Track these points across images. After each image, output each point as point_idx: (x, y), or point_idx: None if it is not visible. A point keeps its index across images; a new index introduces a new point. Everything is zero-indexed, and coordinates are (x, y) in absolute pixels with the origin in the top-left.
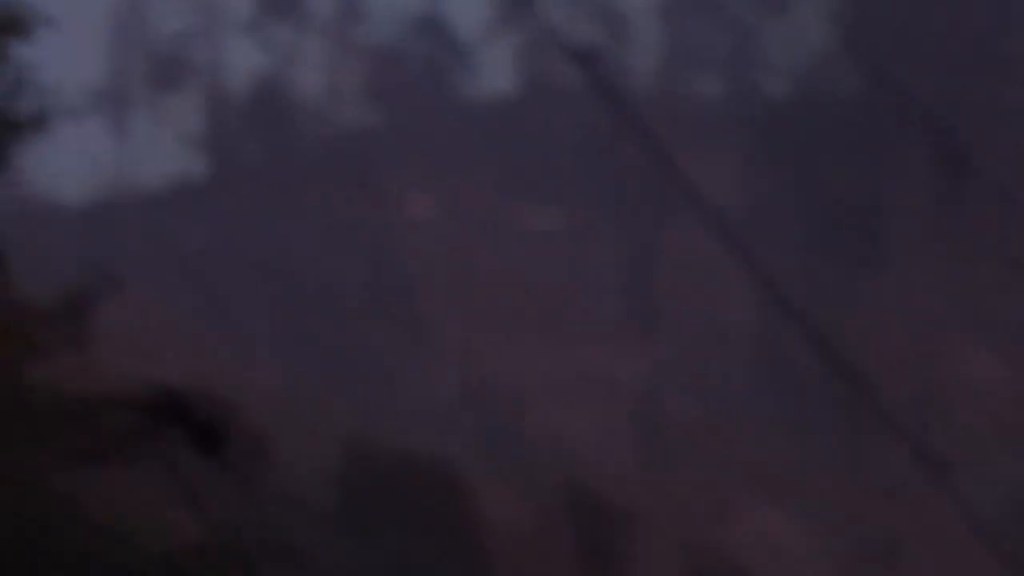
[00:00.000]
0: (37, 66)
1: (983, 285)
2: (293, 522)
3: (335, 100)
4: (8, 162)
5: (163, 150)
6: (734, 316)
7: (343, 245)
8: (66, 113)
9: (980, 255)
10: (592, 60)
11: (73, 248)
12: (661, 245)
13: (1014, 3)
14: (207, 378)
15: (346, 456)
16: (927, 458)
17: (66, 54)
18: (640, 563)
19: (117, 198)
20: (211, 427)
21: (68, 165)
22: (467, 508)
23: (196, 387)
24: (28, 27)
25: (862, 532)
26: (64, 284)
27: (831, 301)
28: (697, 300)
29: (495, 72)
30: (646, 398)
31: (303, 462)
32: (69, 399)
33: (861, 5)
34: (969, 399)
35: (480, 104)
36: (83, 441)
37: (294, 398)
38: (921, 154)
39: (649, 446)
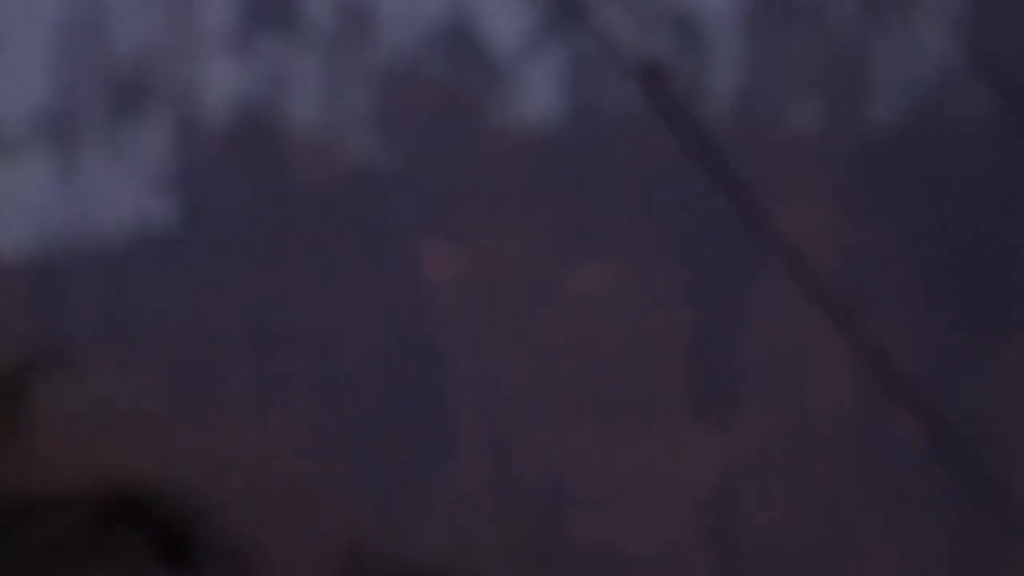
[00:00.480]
0: None
1: None
2: None
3: (336, 132)
4: None
5: (123, 193)
6: (829, 396)
7: (346, 311)
8: (4, 148)
9: None
10: (658, 80)
11: (12, 313)
12: (739, 308)
13: None
14: (175, 472)
15: (348, 570)
16: None
17: (5, 77)
18: None
19: (67, 252)
20: (176, 531)
21: (7, 211)
22: None
23: (158, 482)
24: None
25: None
26: (3, 359)
27: (949, 375)
28: (783, 377)
29: (536, 96)
30: (718, 501)
31: (295, 570)
32: (4, 499)
33: (991, 9)
34: None
35: (517, 136)
36: (20, 551)
37: (284, 497)
38: None
39: (722, 562)
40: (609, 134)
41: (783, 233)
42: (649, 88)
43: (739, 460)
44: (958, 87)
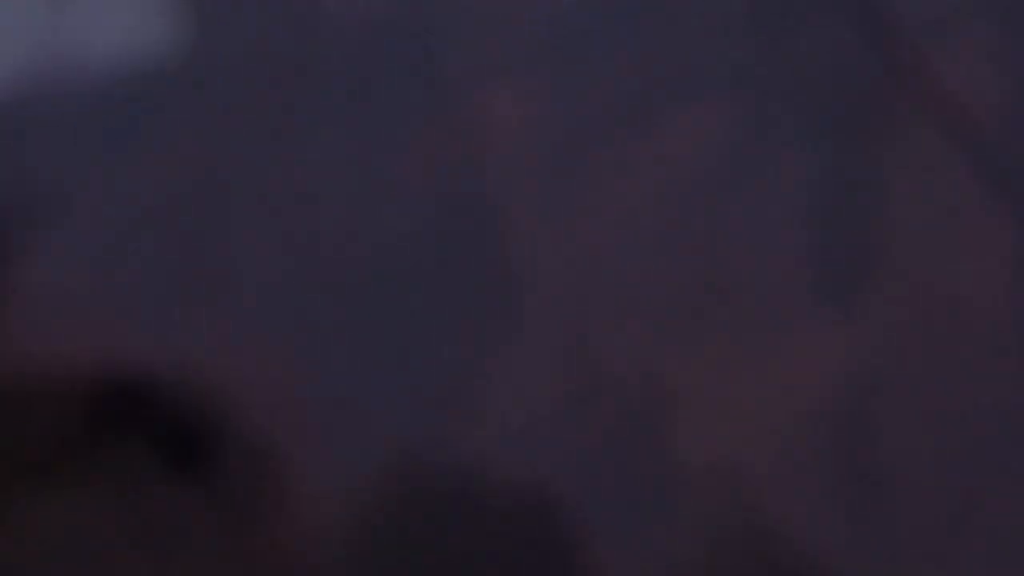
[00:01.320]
0: None
1: None
2: (309, 573)
3: None
4: None
5: (119, 15)
6: (984, 279)
7: (389, 169)
8: None
9: None
10: None
11: None
12: (874, 166)
13: None
14: (184, 359)
15: (390, 479)
16: None
17: None
18: None
19: (46, 91)
20: (187, 432)
21: None
22: (580, 564)
23: (166, 371)
24: None
25: None
26: None
27: None
28: (929, 254)
29: None
30: (848, 406)
31: (327, 485)
32: None
33: None
34: None
35: None
36: None
37: (315, 391)
38: None
39: (852, 478)
40: None
41: (934, 72)
42: None
43: (870, 357)
44: None
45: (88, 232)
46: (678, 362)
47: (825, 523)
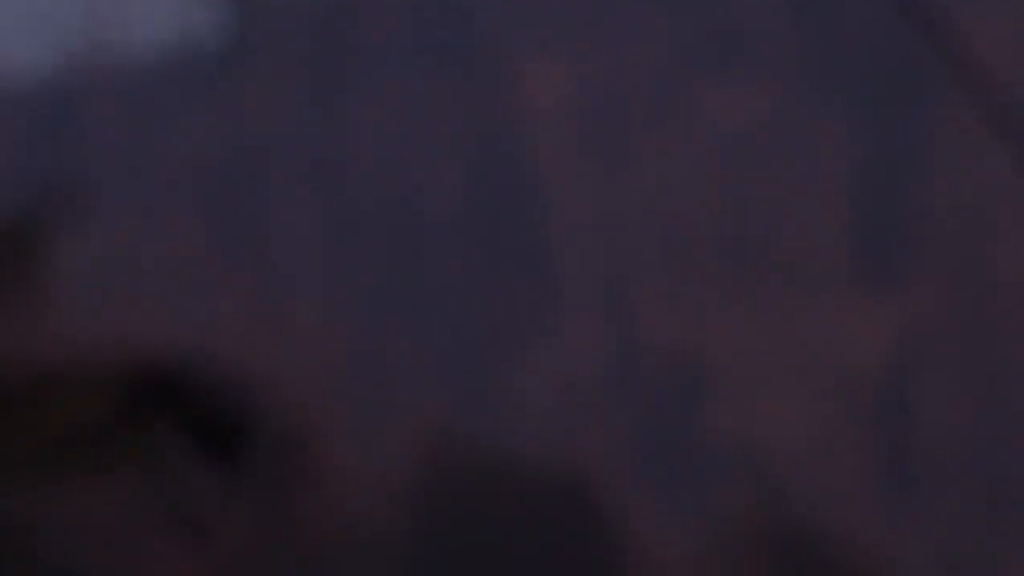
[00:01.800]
0: None
1: None
2: (349, 560)
3: None
4: None
5: (157, 3)
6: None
7: (431, 145)
8: None
9: None
10: None
11: (18, 148)
12: (916, 146)
13: None
14: (220, 342)
15: (433, 460)
16: None
17: None
18: None
19: (88, 74)
20: (224, 416)
21: (18, 20)
22: (614, 541)
23: (197, 354)
24: None
25: None
26: (6, 203)
27: None
28: (970, 234)
29: None
30: (887, 384)
31: (368, 469)
32: (11, 377)
33: None
34: None
35: None
36: (30, 441)
37: (355, 372)
38: None
39: (891, 459)
40: None
41: (975, 53)
42: None
43: (910, 336)
44: None
45: (125, 220)
46: (717, 338)
47: (863, 500)
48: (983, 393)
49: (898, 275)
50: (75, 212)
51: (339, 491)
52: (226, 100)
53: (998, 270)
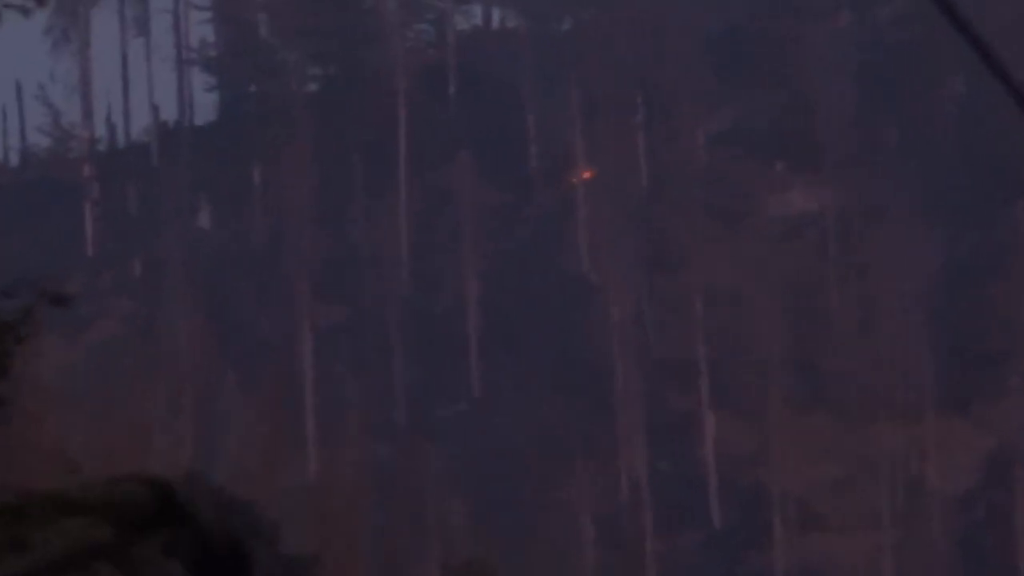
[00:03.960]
0: None
1: None
2: None
3: None
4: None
5: None
6: None
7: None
8: None
9: None
10: None
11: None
12: (1003, 254)
13: None
14: (220, 465)
15: None
16: None
17: None
18: None
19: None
20: (222, 539)
21: None
22: None
23: (199, 478)
24: None
25: None
26: None
27: None
28: None
29: None
30: (977, 506)
31: None
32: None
33: None
34: None
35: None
36: (40, 560)
37: (355, 506)
38: None
39: None
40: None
41: None
42: None
43: (997, 461)
44: None
45: (119, 324)
46: (780, 460)
47: None
48: None
49: (985, 401)
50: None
51: None
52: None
53: None
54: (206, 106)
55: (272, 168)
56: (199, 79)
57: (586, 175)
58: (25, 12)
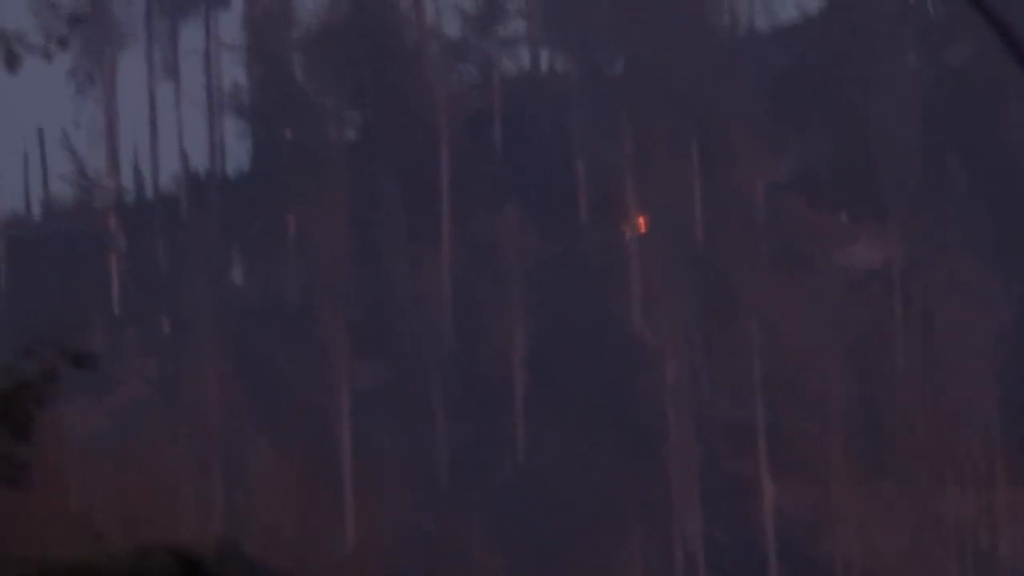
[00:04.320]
0: None
1: None
2: None
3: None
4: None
5: None
6: None
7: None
8: None
9: None
10: None
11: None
12: None
13: None
14: (252, 533)
15: None
16: None
17: None
18: None
19: None
20: None
21: None
22: None
23: (229, 544)
24: None
25: None
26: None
27: None
28: None
29: None
30: None
31: None
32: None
33: None
34: None
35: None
36: None
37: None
38: None
39: None
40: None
41: None
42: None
43: None
44: None
45: (149, 382)
46: (842, 528)
47: None
48: None
49: None
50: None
51: None
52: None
53: None
54: (238, 154)
55: (308, 219)
56: (231, 125)
57: (639, 224)
58: (48, 55)
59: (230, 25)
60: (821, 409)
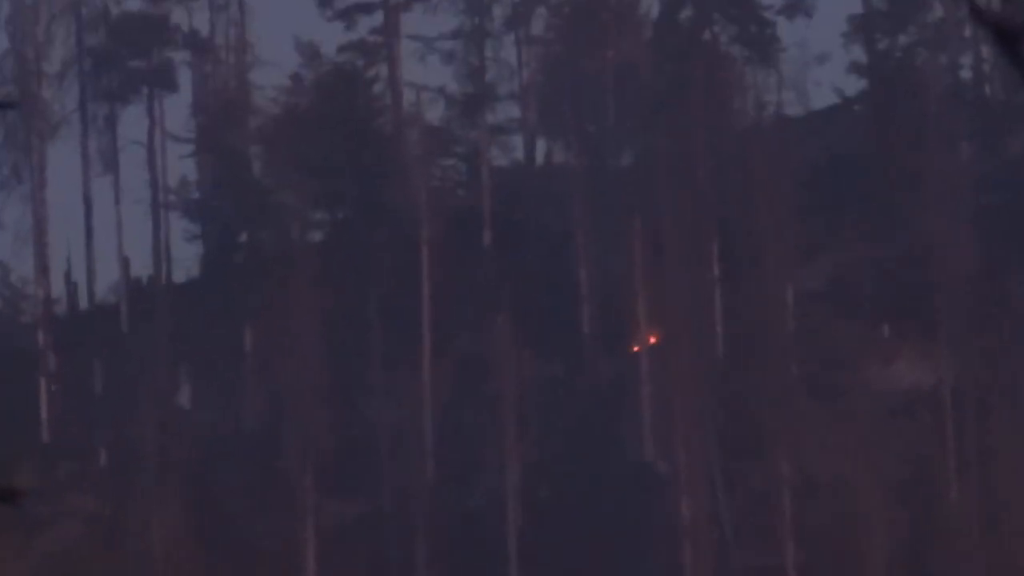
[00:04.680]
0: None
1: None
2: None
3: None
4: None
5: None
6: None
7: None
8: None
9: None
10: None
11: None
12: None
13: None
14: None
15: None
16: None
17: None
18: None
19: None
20: None
21: None
22: None
23: None
24: None
25: None
26: None
27: None
28: None
29: None
30: None
31: None
32: None
33: None
34: None
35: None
36: None
37: None
38: None
39: None
40: None
41: None
42: None
43: None
44: None
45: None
46: None
47: None
48: None
49: None
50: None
51: None
52: None
53: None
54: (187, 258)
55: (267, 334)
56: (178, 226)
57: (651, 341)
58: None
59: (177, 112)
60: (860, 557)
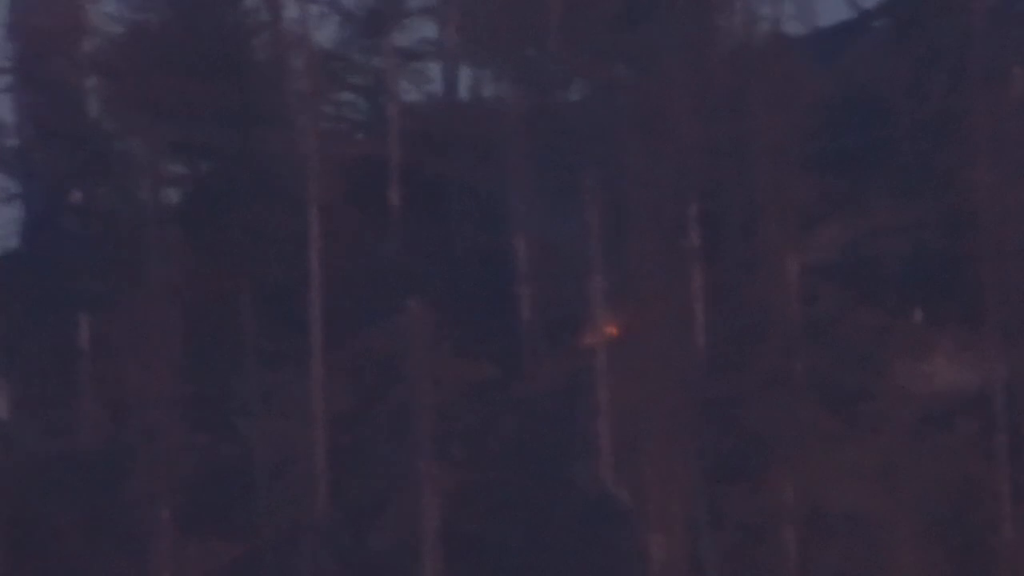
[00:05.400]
0: None
1: None
2: None
3: None
4: None
5: None
6: None
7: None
8: None
9: None
10: None
11: None
12: None
13: None
14: None
15: None
16: None
17: None
18: None
19: None
20: None
21: None
22: None
23: None
24: None
25: None
26: None
27: None
28: None
29: None
30: None
31: None
32: None
33: None
34: None
35: None
36: None
37: None
38: None
39: None
40: None
41: None
42: None
43: None
44: None
45: None
46: None
47: None
48: None
49: None
50: None
51: None
52: None
53: None
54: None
55: (109, 325)
56: None
57: (611, 333)
58: None
59: None
60: None
